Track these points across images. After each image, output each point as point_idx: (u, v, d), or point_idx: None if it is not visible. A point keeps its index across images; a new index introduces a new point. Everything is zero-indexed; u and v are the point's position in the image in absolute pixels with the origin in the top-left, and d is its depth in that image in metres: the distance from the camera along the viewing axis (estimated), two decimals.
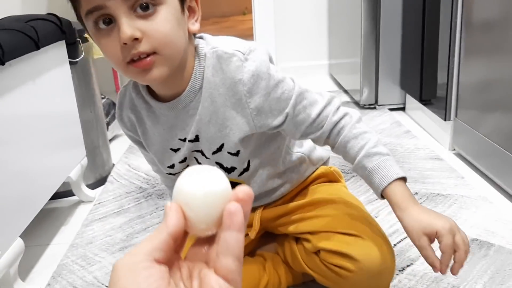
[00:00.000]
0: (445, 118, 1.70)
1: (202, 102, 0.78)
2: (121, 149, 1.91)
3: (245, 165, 0.87)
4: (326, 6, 2.87)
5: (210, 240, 0.40)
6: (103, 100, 1.93)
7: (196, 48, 0.78)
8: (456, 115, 1.66)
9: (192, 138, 0.82)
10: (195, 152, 0.85)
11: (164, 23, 0.67)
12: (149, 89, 0.82)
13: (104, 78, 2.11)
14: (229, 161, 0.84)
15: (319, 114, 0.82)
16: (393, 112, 2.18)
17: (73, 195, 1.52)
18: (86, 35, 1.52)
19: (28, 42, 1.11)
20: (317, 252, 0.89)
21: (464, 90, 1.60)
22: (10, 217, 1.04)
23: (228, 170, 0.86)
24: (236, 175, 0.87)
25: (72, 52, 1.42)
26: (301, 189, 1.00)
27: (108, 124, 1.93)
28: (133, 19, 0.65)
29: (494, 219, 1.26)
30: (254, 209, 0.96)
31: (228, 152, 0.82)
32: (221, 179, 0.39)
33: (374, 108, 2.23)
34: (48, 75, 1.25)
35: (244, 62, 0.75)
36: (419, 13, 1.99)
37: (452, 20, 1.70)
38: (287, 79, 0.80)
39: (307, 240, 0.91)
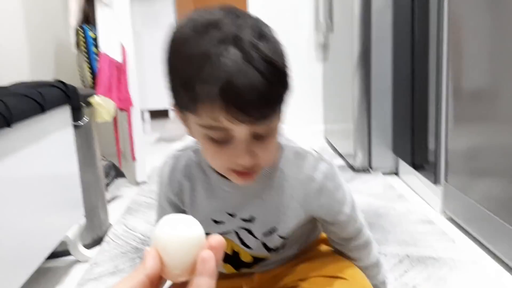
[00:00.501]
0: (435, 182, 1.74)
1: (271, 190, 0.81)
2: (119, 210, 1.95)
3: (283, 245, 0.90)
4: (321, 73, 3.00)
5: (183, 286, 0.43)
6: (104, 162, 1.98)
7: None
8: (446, 180, 1.70)
9: (246, 218, 0.84)
10: (242, 229, 0.86)
11: (274, 144, 0.71)
12: None
13: (105, 141, 2.18)
14: (275, 243, 0.87)
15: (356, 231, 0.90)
16: (387, 176, 2.23)
17: (70, 254, 1.54)
18: (90, 99, 1.60)
19: (34, 105, 1.18)
20: None
21: (453, 157, 1.65)
22: (7, 273, 1.06)
23: (269, 250, 0.88)
24: (273, 254, 0.90)
25: (76, 115, 1.49)
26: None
27: (107, 185, 1.98)
28: (251, 143, 0.67)
29: (484, 282, 1.27)
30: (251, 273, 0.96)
31: (279, 236, 0.86)
32: (196, 229, 0.43)
33: (368, 172, 2.28)
34: (52, 138, 1.31)
35: (319, 162, 0.81)
36: (409, 81, 2.08)
37: (438, 89, 1.79)
38: (347, 190, 0.86)
39: (297, 286, 0.92)
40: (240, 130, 0.64)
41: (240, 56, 0.60)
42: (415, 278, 1.29)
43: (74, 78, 2.13)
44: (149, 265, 0.41)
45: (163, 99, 4.28)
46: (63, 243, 1.48)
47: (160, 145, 3.18)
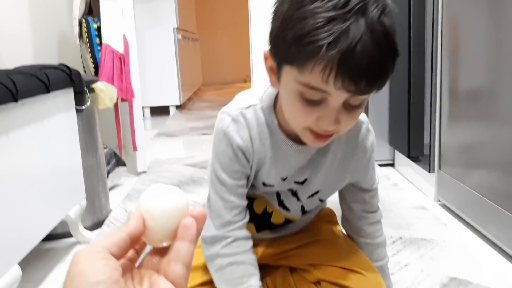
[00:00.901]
0: (429, 170, 1.78)
1: (326, 154, 0.84)
2: (120, 197, 1.98)
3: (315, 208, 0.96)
4: None
5: (162, 252, 0.45)
6: (105, 150, 2.02)
7: None
8: (440, 168, 1.74)
9: (300, 181, 0.87)
10: (287, 192, 0.89)
11: (357, 117, 0.71)
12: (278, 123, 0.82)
13: (107, 132, 2.22)
14: (312, 205, 0.93)
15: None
16: (383, 168, 2.27)
17: (71, 236, 1.57)
18: (93, 85, 1.64)
19: (40, 85, 1.22)
20: (316, 283, 0.93)
21: (447, 149, 1.69)
22: (10, 244, 1.10)
23: (304, 212, 0.93)
24: (300, 215, 0.94)
25: (79, 100, 1.53)
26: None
27: (108, 172, 2.02)
28: (340, 110, 0.67)
29: (474, 261, 1.30)
30: (257, 244, 0.98)
31: (319, 199, 0.92)
32: (181, 198, 0.45)
33: None
34: (55, 118, 1.35)
35: (369, 132, 0.87)
36: (405, 78, 2.13)
37: (432, 88, 1.84)
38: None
39: (306, 271, 0.95)
40: (339, 97, 0.65)
41: (365, 27, 0.60)
42: (407, 258, 1.33)
43: (77, 68, 2.17)
44: (132, 225, 0.42)
45: (164, 96, 4.34)
46: (64, 225, 1.52)
47: (160, 140, 3.22)
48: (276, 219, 0.93)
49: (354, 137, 0.86)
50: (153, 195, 0.45)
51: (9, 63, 1.78)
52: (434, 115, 1.78)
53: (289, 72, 0.67)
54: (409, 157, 2.08)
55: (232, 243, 0.83)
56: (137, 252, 0.46)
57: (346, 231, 1.01)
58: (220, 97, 5.59)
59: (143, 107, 3.97)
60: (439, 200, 1.76)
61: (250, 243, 0.85)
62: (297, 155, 0.82)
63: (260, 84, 0.86)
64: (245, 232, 0.84)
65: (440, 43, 1.70)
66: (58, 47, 2.34)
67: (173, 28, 4.22)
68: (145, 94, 3.93)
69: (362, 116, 0.85)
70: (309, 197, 0.89)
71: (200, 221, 0.44)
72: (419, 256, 1.34)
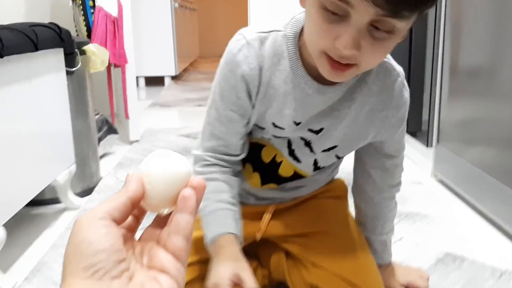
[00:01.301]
0: (427, 144, 1.75)
1: (351, 103, 0.75)
2: (111, 166, 1.94)
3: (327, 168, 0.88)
4: None
5: (162, 224, 0.43)
6: (97, 116, 1.97)
7: None
8: (438, 142, 1.71)
9: (316, 130, 0.77)
10: (300, 140, 0.80)
11: (385, 51, 0.63)
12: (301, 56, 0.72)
13: (99, 99, 2.17)
14: (327, 161, 0.84)
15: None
16: None
17: (59, 202, 1.54)
18: (84, 47, 1.58)
19: (28, 42, 1.17)
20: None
21: (446, 124, 1.66)
22: None
23: (316, 168, 0.85)
24: (312, 173, 0.87)
25: (70, 61, 1.48)
26: (314, 195, 0.97)
27: (100, 139, 1.97)
28: (363, 32, 0.58)
29: (469, 236, 1.28)
30: (258, 215, 0.92)
31: (336, 155, 0.83)
32: (184, 165, 0.43)
33: None
34: (44, 79, 1.30)
35: (403, 88, 0.77)
36: (406, 55, 2.09)
37: (433, 63, 1.80)
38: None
39: (306, 267, 0.88)
40: (364, 13, 0.56)
41: None
42: (402, 231, 1.30)
43: (69, 25, 2.10)
44: (132, 188, 0.41)
45: (159, 66, 4.26)
46: (53, 190, 1.48)
47: (155, 110, 3.16)
48: (284, 170, 0.85)
49: (388, 90, 0.76)
50: (154, 159, 0.43)
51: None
52: (434, 90, 1.74)
53: None
54: (407, 132, 2.04)
55: (209, 166, 0.78)
56: (136, 218, 0.44)
57: (354, 199, 0.94)
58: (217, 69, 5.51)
59: (137, 77, 3.91)
60: (436, 175, 1.74)
61: (236, 180, 0.80)
62: (316, 96, 0.73)
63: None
64: (232, 169, 0.79)
65: (443, 17, 1.65)
66: (51, 8, 2.27)
67: None
68: (140, 63, 3.86)
69: (399, 68, 0.77)
70: (325, 151, 0.80)
71: (199, 192, 0.42)
72: (414, 230, 1.31)
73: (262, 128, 0.80)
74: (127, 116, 2.25)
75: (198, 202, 0.42)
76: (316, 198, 0.95)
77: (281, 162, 0.84)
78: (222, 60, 0.76)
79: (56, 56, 1.38)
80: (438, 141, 1.71)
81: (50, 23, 1.40)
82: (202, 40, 6.76)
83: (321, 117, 0.76)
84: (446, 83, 1.66)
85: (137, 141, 2.31)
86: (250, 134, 0.83)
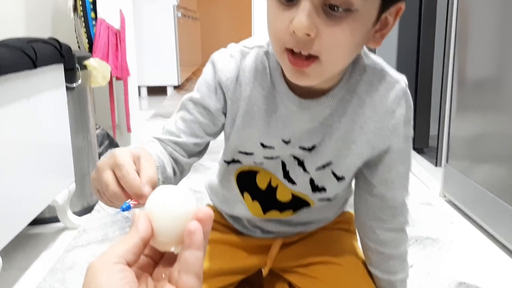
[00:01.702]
0: (436, 163, 1.71)
1: (341, 116, 0.70)
2: None
3: (333, 195, 0.79)
4: None
5: (173, 260, 0.43)
6: (98, 131, 1.93)
7: (357, 56, 0.68)
8: (447, 162, 1.66)
9: (307, 147, 0.73)
10: (292, 159, 0.75)
11: (345, 34, 0.56)
12: (282, 71, 0.69)
13: (100, 111, 2.13)
14: (324, 181, 0.76)
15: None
16: None
17: (58, 221, 1.50)
18: (85, 62, 1.55)
19: (26, 60, 1.13)
20: None
21: (455, 141, 1.62)
22: None
23: (316, 189, 0.78)
24: (316, 198, 0.79)
25: (70, 77, 1.44)
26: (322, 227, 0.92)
27: (100, 154, 1.93)
28: (317, 11, 0.55)
29: (482, 263, 1.24)
30: (264, 248, 0.88)
31: (333, 172, 0.75)
32: (189, 200, 0.42)
33: None
34: (43, 96, 1.26)
35: (405, 96, 0.70)
36: (413, 70, 2.05)
37: (443, 78, 1.76)
38: (410, 148, 0.76)
39: None
40: None
41: None
42: (413, 257, 1.26)
43: (70, 43, 2.07)
44: (142, 229, 0.41)
45: (161, 76, 4.23)
46: (52, 209, 1.44)
47: (156, 120, 3.12)
48: (282, 195, 0.79)
49: (382, 99, 0.69)
50: (159, 197, 0.43)
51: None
52: (444, 106, 1.70)
53: None
54: (414, 148, 2.00)
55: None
56: (149, 256, 0.45)
57: (358, 233, 0.86)
58: None
59: (139, 86, 3.87)
60: (445, 196, 1.69)
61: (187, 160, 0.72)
62: (300, 112, 0.69)
63: None
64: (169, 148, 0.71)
65: (454, 31, 1.61)
66: (51, 20, 2.23)
67: (173, 5, 4.10)
68: (142, 73, 3.83)
69: (399, 76, 0.71)
70: (319, 168, 0.75)
71: (206, 224, 0.41)
72: (425, 256, 1.27)
73: (250, 154, 0.76)
74: (129, 130, 2.21)
75: (205, 234, 0.40)
76: (324, 229, 0.91)
77: (277, 186, 0.79)
78: (205, 67, 0.73)
79: (56, 73, 1.34)
80: (447, 159, 1.66)
81: (50, 38, 1.36)
82: (204, 48, 6.74)
83: (311, 134, 0.72)
84: (455, 97, 1.62)
85: None
86: (239, 163, 0.79)
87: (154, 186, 0.49)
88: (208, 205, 0.97)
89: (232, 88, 0.70)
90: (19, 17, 1.90)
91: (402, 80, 0.71)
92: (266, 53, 0.70)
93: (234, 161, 0.79)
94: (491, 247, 1.35)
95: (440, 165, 1.70)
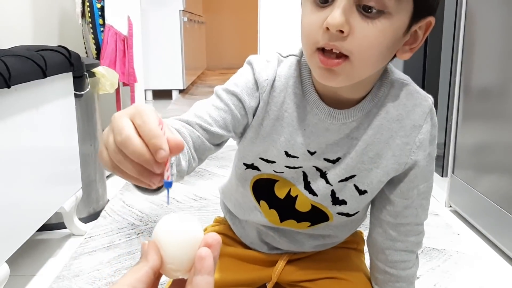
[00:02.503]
0: (442, 174, 1.70)
1: (367, 128, 0.70)
2: (118, 186, 1.91)
3: (353, 210, 0.78)
4: None
5: (182, 284, 0.43)
6: None
7: (385, 71, 0.70)
8: (453, 172, 1.66)
9: (332, 159, 0.73)
10: (315, 170, 0.75)
11: (377, 35, 0.58)
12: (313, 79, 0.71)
13: (107, 116, 2.14)
14: (346, 194, 0.76)
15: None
16: None
17: (65, 227, 1.50)
18: (94, 70, 1.55)
19: (36, 69, 1.13)
20: None
21: (461, 151, 1.62)
22: None
23: (336, 201, 0.77)
24: (336, 211, 0.78)
25: (78, 85, 1.45)
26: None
27: None
28: (352, 10, 0.57)
29: (488, 276, 1.23)
30: (271, 263, 0.88)
31: (355, 186, 0.75)
32: (196, 228, 0.43)
33: None
34: (52, 105, 1.27)
35: (431, 113, 0.71)
36: (420, 78, 2.05)
37: (450, 86, 1.76)
38: (434, 166, 0.77)
39: None
40: None
41: None
42: (419, 269, 1.25)
43: (78, 49, 2.08)
44: (152, 258, 0.42)
45: (167, 79, 4.24)
46: (58, 215, 1.45)
47: None
48: (301, 205, 0.79)
49: (409, 115, 0.70)
50: (167, 226, 0.43)
51: (7, 41, 1.69)
52: (450, 115, 1.70)
53: None
54: None
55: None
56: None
57: (369, 252, 0.85)
58: (224, 83, 5.48)
59: (145, 90, 3.88)
60: (451, 206, 1.69)
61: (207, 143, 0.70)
62: (328, 122, 0.69)
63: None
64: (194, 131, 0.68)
65: (461, 41, 1.61)
66: (59, 25, 2.25)
67: (179, 10, 4.11)
68: (148, 76, 3.84)
69: (426, 94, 0.72)
70: (342, 181, 0.74)
71: (215, 249, 0.41)
72: (431, 268, 1.27)
73: (272, 162, 0.76)
74: None
75: (214, 259, 0.41)
76: (332, 248, 0.91)
77: (296, 196, 0.79)
78: (241, 69, 0.73)
79: (65, 81, 1.35)
80: (453, 169, 1.66)
81: (59, 46, 1.37)
82: (209, 52, 6.76)
83: (337, 146, 0.72)
84: (461, 107, 1.62)
85: None
86: (258, 170, 0.78)
87: (179, 149, 0.42)
88: (218, 217, 0.98)
89: (267, 90, 0.71)
90: (27, 22, 1.91)
91: (429, 97, 0.72)
92: (299, 62, 0.72)
93: (253, 166, 0.78)
94: (497, 259, 1.34)
95: (447, 175, 1.70)
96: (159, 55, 4.11)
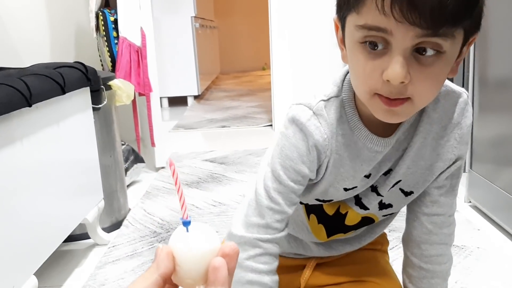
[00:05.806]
0: None
1: (413, 136, 0.72)
2: (138, 195, 1.94)
3: (399, 209, 0.81)
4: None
5: None
6: (123, 147, 1.98)
7: None
8: (471, 167, 1.66)
9: (385, 171, 0.74)
10: (368, 189, 0.77)
11: (436, 76, 0.59)
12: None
13: (125, 125, 2.18)
14: (392, 198, 0.78)
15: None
16: None
17: (88, 237, 1.54)
18: (110, 83, 1.59)
19: (55, 87, 1.17)
20: None
21: (479, 145, 1.61)
22: (26, 255, 1.06)
23: (383, 207, 0.79)
24: (381, 214, 0.81)
25: (96, 98, 1.48)
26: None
27: (126, 170, 1.98)
28: (409, 59, 0.56)
29: (511, 271, 1.23)
30: (298, 268, 0.90)
31: (401, 189, 0.77)
32: (212, 240, 0.42)
33: None
34: (72, 119, 1.31)
35: (467, 106, 0.73)
36: None
37: (464, 77, 1.75)
38: None
39: None
40: (403, 35, 0.54)
41: None
42: None
43: (94, 62, 2.13)
44: (163, 265, 0.41)
45: (182, 86, 4.29)
46: (82, 226, 1.48)
47: (179, 132, 3.17)
48: (351, 220, 0.81)
49: (448, 114, 0.71)
50: (182, 237, 0.42)
51: (27, 57, 1.74)
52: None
53: (350, 22, 0.59)
54: None
55: (260, 256, 0.72)
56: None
57: (403, 248, 0.86)
58: (238, 87, 5.52)
59: (160, 98, 3.93)
60: (470, 201, 1.68)
61: (276, 262, 0.75)
62: (382, 149, 0.70)
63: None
64: (276, 249, 0.74)
65: None
66: (75, 40, 2.30)
67: (191, 17, 4.15)
68: (163, 84, 3.88)
69: (460, 89, 0.73)
70: (390, 188, 0.76)
71: (232, 259, 0.41)
72: (452, 265, 1.26)
73: (329, 200, 0.78)
74: (153, 144, 2.25)
75: (231, 270, 0.40)
76: (358, 249, 0.92)
77: (346, 213, 0.81)
78: (286, 130, 0.71)
79: (83, 96, 1.38)
80: (471, 164, 1.66)
81: (76, 62, 1.40)
82: (222, 56, 6.79)
83: (387, 160, 0.73)
84: (477, 100, 1.61)
85: (163, 168, 2.31)
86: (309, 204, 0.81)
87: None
88: None
89: (329, 146, 0.70)
90: (44, 39, 1.96)
91: (463, 92, 0.74)
92: (341, 101, 0.71)
93: (307, 205, 0.82)
94: None
95: (465, 171, 1.69)
96: (173, 63, 4.15)
